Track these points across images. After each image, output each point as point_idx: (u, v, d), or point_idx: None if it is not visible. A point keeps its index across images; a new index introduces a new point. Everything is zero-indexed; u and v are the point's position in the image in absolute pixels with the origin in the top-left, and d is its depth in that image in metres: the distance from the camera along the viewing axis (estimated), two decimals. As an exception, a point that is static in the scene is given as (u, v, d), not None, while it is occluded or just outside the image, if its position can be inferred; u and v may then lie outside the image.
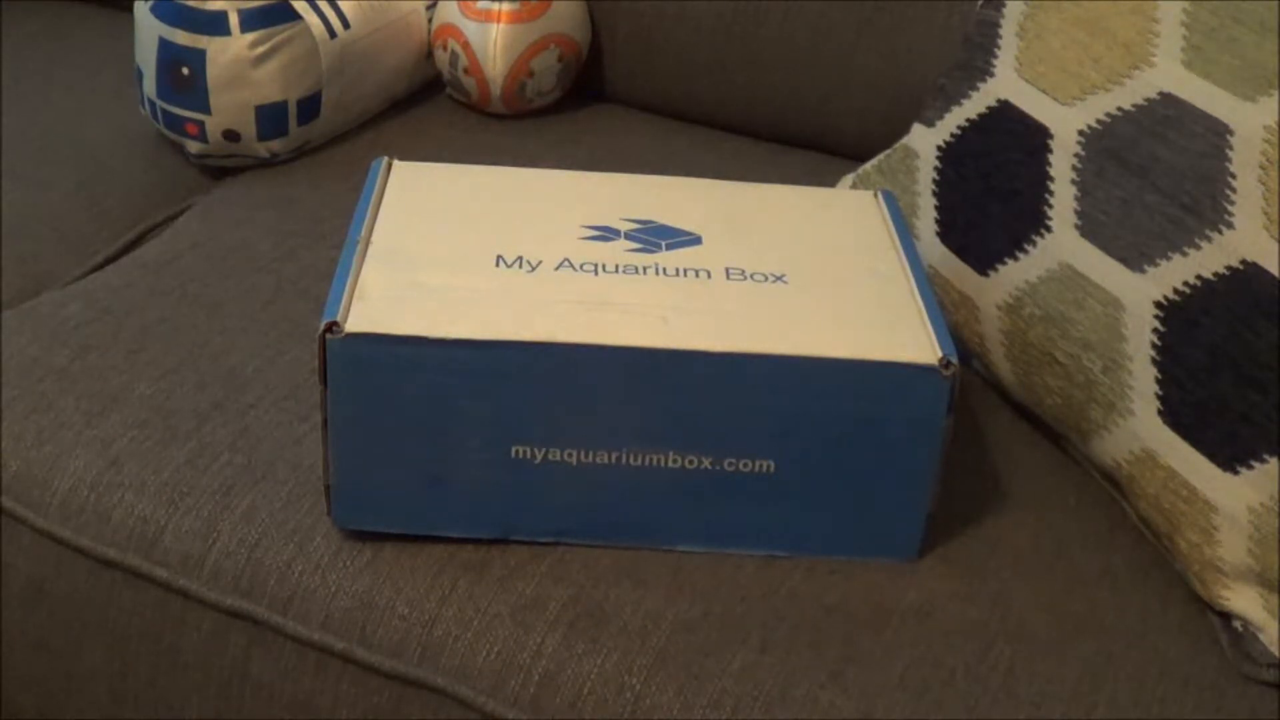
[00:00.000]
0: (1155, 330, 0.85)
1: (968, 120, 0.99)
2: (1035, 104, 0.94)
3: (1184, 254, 0.85)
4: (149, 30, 1.20)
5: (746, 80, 1.32)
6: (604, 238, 0.90)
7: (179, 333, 1.01)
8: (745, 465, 0.84)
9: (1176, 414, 0.85)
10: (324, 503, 0.88)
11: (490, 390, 0.81)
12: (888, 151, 1.07)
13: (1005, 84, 0.97)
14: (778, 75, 1.30)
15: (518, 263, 0.86)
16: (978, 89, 0.99)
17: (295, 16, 1.21)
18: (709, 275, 0.87)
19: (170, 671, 0.90)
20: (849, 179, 1.11)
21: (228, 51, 1.18)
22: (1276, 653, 0.83)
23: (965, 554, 0.88)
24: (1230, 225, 0.83)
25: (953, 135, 1.00)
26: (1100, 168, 0.90)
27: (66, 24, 1.50)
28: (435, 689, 0.83)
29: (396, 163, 0.97)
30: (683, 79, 1.35)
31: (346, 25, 1.24)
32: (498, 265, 0.86)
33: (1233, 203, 0.83)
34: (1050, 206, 0.92)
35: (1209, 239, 0.84)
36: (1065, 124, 0.92)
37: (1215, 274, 0.83)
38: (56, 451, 0.93)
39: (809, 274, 0.88)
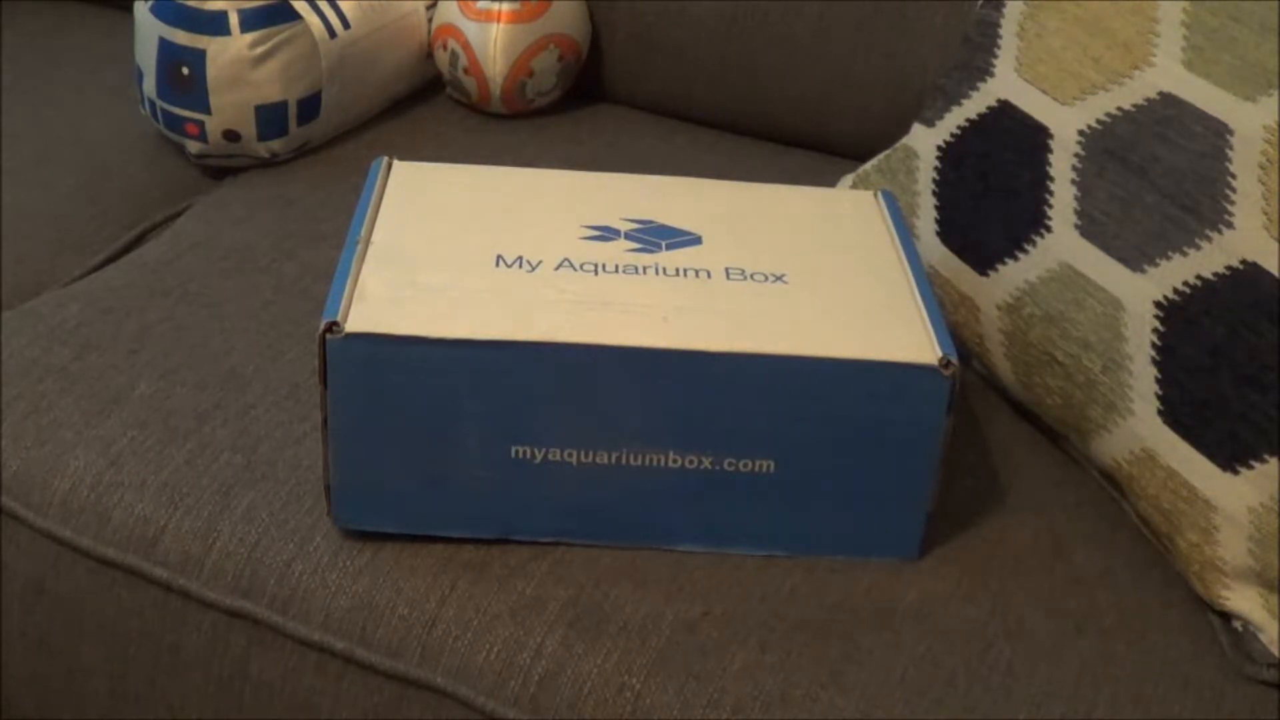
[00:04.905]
0: (1155, 330, 0.85)
1: (968, 120, 0.99)
2: (1035, 104, 0.94)
3: (1184, 254, 0.85)
4: (149, 30, 1.20)
5: (746, 80, 1.32)
6: (604, 238, 0.90)
7: (179, 333, 1.01)
8: (745, 465, 0.84)
9: (1176, 414, 0.85)
10: (324, 503, 0.88)
11: (490, 390, 0.81)
12: (888, 151, 1.07)
13: (1005, 84, 0.97)
14: (778, 75, 1.30)
15: (518, 263, 0.86)
16: (978, 89, 0.99)
17: (295, 16, 1.21)
18: (709, 275, 0.87)
19: (170, 671, 0.90)
20: (849, 179, 1.11)
21: (228, 51, 1.18)
22: (1276, 653, 0.83)
23: (965, 554, 0.88)
24: (1230, 225, 0.83)
25: (953, 135, 1.00)
26: (1100, 168, 0.90)
27: (66, 24, 1.50)
28: (435, 689, 0.83)
29: (396, 163, 0.97)
30: (683, 79, 1.35)
31: (346, 25, 1.24)
32: (498, 265, 0.86)
33: (1233, 203, 0.83)
34: (1050, 206, 0.92)
35: (1209, 239, 0.84)
36: (1065, 124, 0.92)
37: (1215, 274, 0.83)
38: (56, 451, 0.93)
39: (809, 274, 0.88)
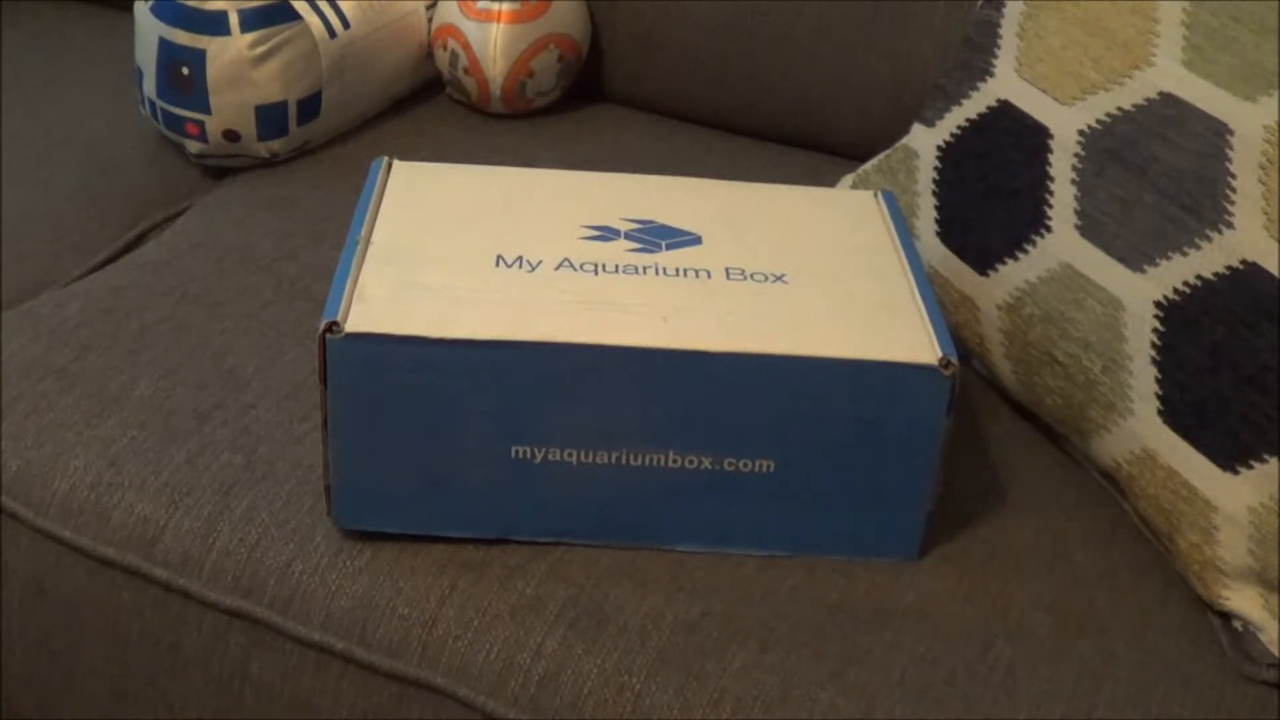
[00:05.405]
0: (1155, 330, 0.85)
1: (968, 120, 0.99)
2: (1035, 104, 0.94)
3: (1184, 254, 0.85)
4: (149, 30, 1.20)
5: (746, 80, 1.32)
6: (604, 238, 0.90)
7: (179, 333, 1.01)
8: (745, 465, 0.84)
9: (1176, 414, 0.85)
10: (324, 503, 0.88)
11: (490, 390, 0.81)
12: (888, 151, 1.07)
13: (1005, 84, 0.97)
14: (778, 75, 1.30)
15: (518, 263, 0.86)
16: (978, 89, 0.99)
17: (295, 16, 1.21)
18: (709, 275, 0.87)
19: (170, 671, 0.90)
20: (849, 179, 1.11)
21: (228, 51, 1.18)
22: (1276, 653, 0.83)
23: (965, 554, 0.88)
24: (1230, 225, 0.83)
25: (953, 135, 1.00)
26: (1100, 168, 0.90)
27: (66, 24, 1.50)
28: (435, 689, 0.83)
29: (396, 163, 0.97)
30: (683, 79, 1.35)
31: (346, 25, 1.24)
32: (498, 265, 0.86)
33: (1233, 203, 0.83)
34: (1050, 206, 0.92)
35: (1209, 239, 0.84)
36: (1065, 124, 0.92)
37: (1215, 274, 0.83)
38: (56, 451, 0.93)
39: (809, 274, 0.88)
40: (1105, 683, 0.81)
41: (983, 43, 1.00)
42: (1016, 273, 0.93)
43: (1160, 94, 0.88)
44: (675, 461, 0.83)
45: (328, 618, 0.85)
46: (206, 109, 1.20)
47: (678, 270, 0.87)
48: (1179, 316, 0.84)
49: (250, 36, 1.18)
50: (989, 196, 0.96)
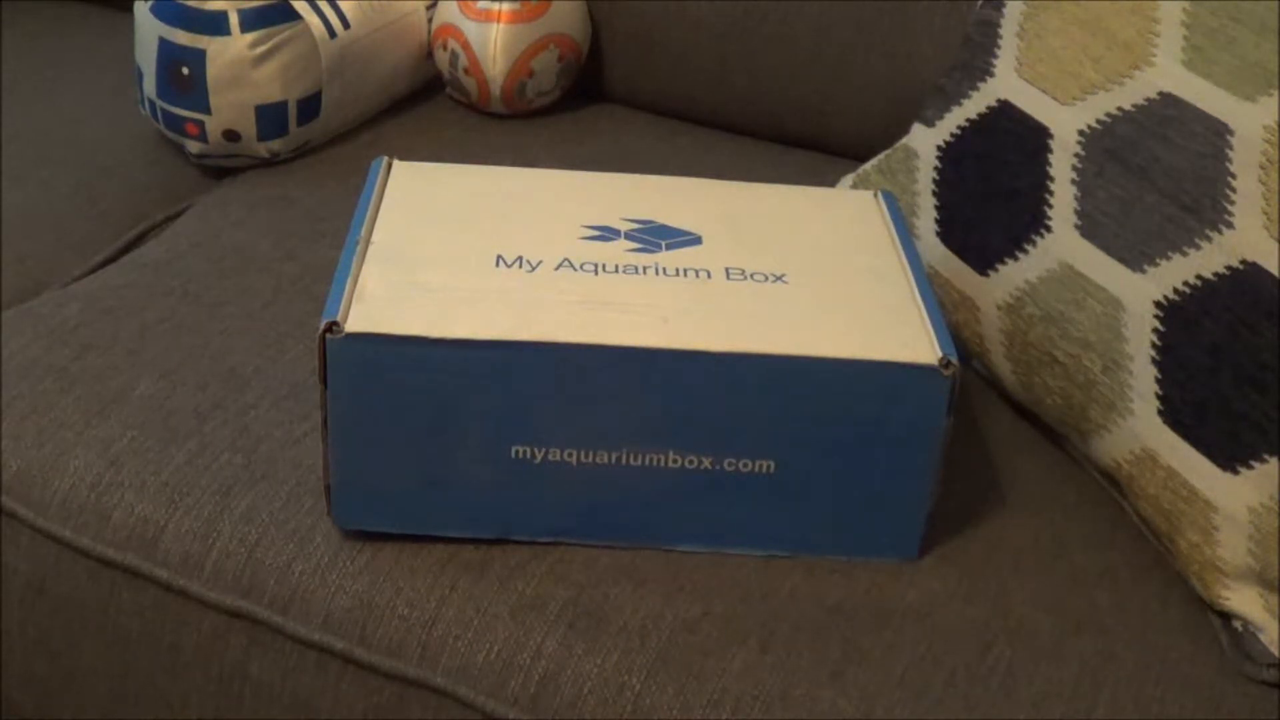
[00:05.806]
0: (1155, 330, 0.85)
1: (968, 120, 0.99)
2: (1035, 104, 0.94)
3: (1184, 254, 0.85)
4: (149, 30, 1.20)
5: (746, 80, 1.32)
6: (604, 238, 0.90)
7: (179, 333, 1.02)
8: (745, 465, 0.84)
9: (1176, 414, 0.85)
10: (324, 503, 0.88)
11: (490, 390, 0.81)
12: (888, 151, 1.07)
13: (1005, 84, 0.97)
14: (778, 75, 1.30)
15: (518, 263, 0.86)
16: (978, 89, 0.99)
17: (295, 16, 1.21)
18: (709, 275, 0.87)
19: (170, 671, 0.90)
20: (849, 179, 1.11)
21: (228, 51, 1.18)
22: (1276, 653, 0.83)
23: (965, 554, 0.88)
24: (1230, 225, 0.83)
25: (953, 135, 1.00)
26: (1100, 168, 0.90)
27: (66, 24, 1.50)
28: (435, 689, 0.83)
29: (396, 163, 0.97)
30: (683, 79, 1.35)
31: (346, 25, 1.24)
32: (498, 265, 0.86)
33: (1233, 203, 0.83)
34: (1050, 206, 0.92)
35: (1209, 239, 0.84)
36: (1065, 124, 0.92)
37: (1215, 274, 0.83)
38: (56, 451, 0.93)
39: (809, 274, 0.88)
40: (1105, 683, 0.81)
41: (983, 43, 1.00)
42: (1016, 273, 0.93)
43: (1160, 94, 0.88)
44: (675, 461, 0.83)
45: (328, 618, 0.85)
46: (206, 109, 1.20)
47: (678, 270, 0.87)
48: (1179, 316, 0.84)
49: (250, 36, 1.18)
50: (989, 196, 0.96)
